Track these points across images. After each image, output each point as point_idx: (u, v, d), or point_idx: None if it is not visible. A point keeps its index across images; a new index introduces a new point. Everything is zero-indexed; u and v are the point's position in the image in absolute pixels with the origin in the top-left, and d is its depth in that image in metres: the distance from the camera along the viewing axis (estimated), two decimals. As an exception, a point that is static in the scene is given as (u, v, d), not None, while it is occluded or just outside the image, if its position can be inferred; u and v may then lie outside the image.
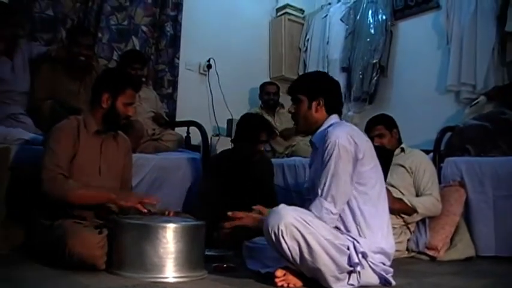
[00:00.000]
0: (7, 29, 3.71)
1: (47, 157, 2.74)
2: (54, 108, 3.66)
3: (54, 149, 2.76)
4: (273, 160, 4.78)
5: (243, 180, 3.92)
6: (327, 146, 2.41)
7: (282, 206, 2.32)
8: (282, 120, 5.50)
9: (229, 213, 2.61)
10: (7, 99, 3.68)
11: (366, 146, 2.49)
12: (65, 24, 4.56)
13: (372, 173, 2.50)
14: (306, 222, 2.25)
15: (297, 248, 2.23)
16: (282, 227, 2.22)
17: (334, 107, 2.68)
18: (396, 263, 2.60)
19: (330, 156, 2.40)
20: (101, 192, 2.82)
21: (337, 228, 2.43)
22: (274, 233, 2.24)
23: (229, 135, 5.29)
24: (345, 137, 2.42)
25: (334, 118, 2.65)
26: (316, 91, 2.64)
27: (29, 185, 2.96)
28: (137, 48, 4.99)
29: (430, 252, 3.58)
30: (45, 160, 2.74)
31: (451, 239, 3.68)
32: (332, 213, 2.38)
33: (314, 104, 2.63)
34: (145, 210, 2.64)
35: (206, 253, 2.73)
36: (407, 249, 3.65)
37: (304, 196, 2.79)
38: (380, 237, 2.46)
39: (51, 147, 2.77)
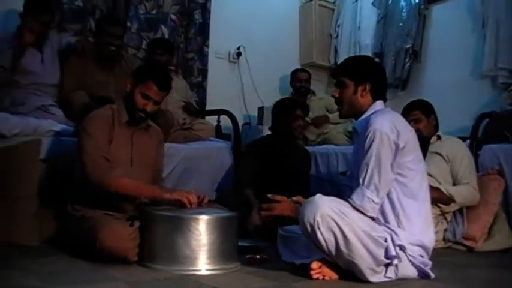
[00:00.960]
0: (38, 21, 3.69)
1: (86, 142, 2.70)
2: (85, 100, 3.64)
3: (92, 134, 2.71)
4: (305, 148, 4.74)
5: (281, 165, 3.91)
6: (368, 133, 2.34)
7: (319, 196, 2.27)
8: (313, 108, 5.41)
9: (269, 195, 2.57)
10: (37, 90, 3.65)
11: (409, 136, 2.42)
12: (94, 14, 4.55)
13: (413, 165, 2.42)
14: (342, 213, 2.20)
15: (333, 240, 2.18)
16: (318, 218, 2.17)
17: (380, 93, 2.59)
18: (433, 254, 2.52)
19: (371, 144, 2.33)
20: (145, 186, 2.76)
21: (376, 219, 2.37)
22: (310, 224, 2.19)
23: (260, 123, 5.24)
24: (388, 125, 2.35)
25: (379, 105, 2.56)
26: (363, 75, 2.55)
27: (61, 176, 2.96)
28: (166, 36, 4.97)
29: (468, 243, 3.49)
30: (84, 145, 2.70)
31: (489, 229, 3.58)
32: (374, 202, 2.31)
33: (360, 88, 2.54)
34: (189, 206, 2.59)
35: (239, 244, 2.69)
36: (443, 239, 3.56)
37: (340, 182, 2.72)
38: (419, 231, 2.39)
39: (89, 133, 2.72)
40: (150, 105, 2.84)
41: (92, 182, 2.65)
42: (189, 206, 2.59)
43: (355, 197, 2.33)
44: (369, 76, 2.56)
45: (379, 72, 2.67)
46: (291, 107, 3.97)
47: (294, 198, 2.61)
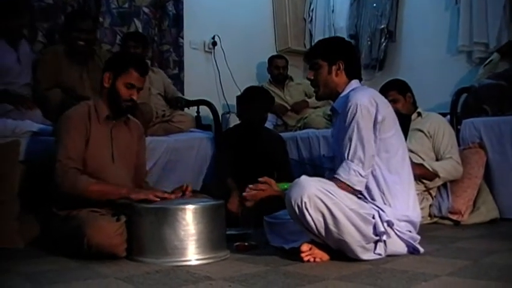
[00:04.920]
0: (12, 20, 3.64)
1: (59, 150, 2.67)
2: (62, 97, 3.59)
3: (65, 141, 2.68)
4: (286, 134, 4.77)
5: (253, 152, 3.94)
6: (349, 109, 2.36)
7: (304, 177, 2.26)
8: (291, 93, 5.43)
9: (251, 185, 2.56)
10: (11, 90, 3.59)
11: (387, 110, 2.43)
12: (65, 11, 4.47)
13: (393, 140, 2.44)
14: (329, 192, 2.19)
15: (321, 220, 2.18)
16: (305, 199, 2.16)
17: (354, 71, 2.62)
18: (420, 229, 2.54)
19: (353, 118, 2.35)
20: (113, 188, 2.69)
21: (362, 196, 2.38)
22: (298, 206, 2.18)
23: (240, 112, 5.23)
24: (367, 99, 2.37)
25: (355, 83, 2.58)
26: (336, 55, 2.57)
27: (42, 177, 2.92)
28: (140, 30, 4.91)
29: (454, 217, 3.52)
30: (57, 153, 2.66)
31: (474, 202, 3.62)
32: (361, 175, 2.33)
33: (334, 68, 2.56)
34: (158, 199, 2.55)
35: (226, 232, 2.67)
36: (429, 215, 3.59)
37: (323, 166, 2.73)
38: (405, 206, 2.41)
39: (62, 139, 2.69)
40: (135, 94, 2.83)
41: (62, 191, 2.63)
42: (157, 199, 2.55)
43: (341, 172, 2.34)
44: (341, 55, 2.58)
45: (351, 50, 2.71)
46: (252, 99, 3.96)
47: (261, 179, 2.60)
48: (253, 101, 3.94)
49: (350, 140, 2.35)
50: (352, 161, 2.34)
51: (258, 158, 3.91)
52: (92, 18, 4.05)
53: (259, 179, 2.61)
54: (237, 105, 4.16)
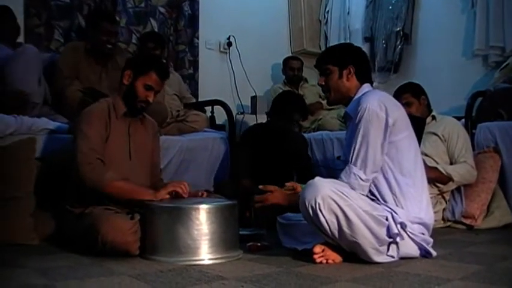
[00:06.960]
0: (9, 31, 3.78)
1: (81, 141, 2.67)
2: (81, 98, 3.60)
3: (87, 133, 2.69)
4: (300, 135, 4.75)
5: (277, 152, 3.92)
6: (358, 112, 2.37)
7: (318, 178, 2.27)
8: (306, 95, 5.42)
9: (261, 186, 2.60)
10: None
11: (399, 114, 2.43)
12: (82, 10, 4.53)
13: (405, 143, 2.43)
14: (343, 194, 2.20)
15: (335, 221, 2.18)
16: (319, 200, 2.16)
17: (365, 75, 2.62)
18: (433, 233, 2.53)
19: (360, 122, 2.36)
20: (139, 188, 2.69)
21: (373, 198, 2.39)
22: (312, 207, 2.18)
23: (254, 113, 5.23)
24: (376, 102, 2.37)
25: (366, 87, 2.59)
26: (346, 59, 2.58)
27: (57, 174, 2.94)
28: (156, 30, 4.96)
29: (467, 221, 3.50)
30: (79, 144, 2.67)
31: (488, 207, 3.60)
32: (361, 179, 2.34)
33: (345, 72, 2.57)
34: (184, 195, 2.61)
35: (239, 233, 2.68)
36: (443, 219, 3.58)
37: (336, 168, 2.74)
38: (418, 208, 2.40)
39: (84, 131, 2.69)
40: (152, 96, 2.86)
41: (86, 184, 2.63)
42: (184, 195, 2.60)
43: (343, 175, 2.37)
44: (351, 59, 2.60)
45: (360, 54, 2.71)
46: (290, 109, 3.94)
47: (288, 184, 2.64)
48: (292, 112, 3.93)
49: (355, 143, 2.37)
50: (354, 164, 2.36)
51: (279, 159, 3.90)
52: (116, 20, 4.12)
53: (287, 184, 2.65)
54: (273, 105, 4.09)
